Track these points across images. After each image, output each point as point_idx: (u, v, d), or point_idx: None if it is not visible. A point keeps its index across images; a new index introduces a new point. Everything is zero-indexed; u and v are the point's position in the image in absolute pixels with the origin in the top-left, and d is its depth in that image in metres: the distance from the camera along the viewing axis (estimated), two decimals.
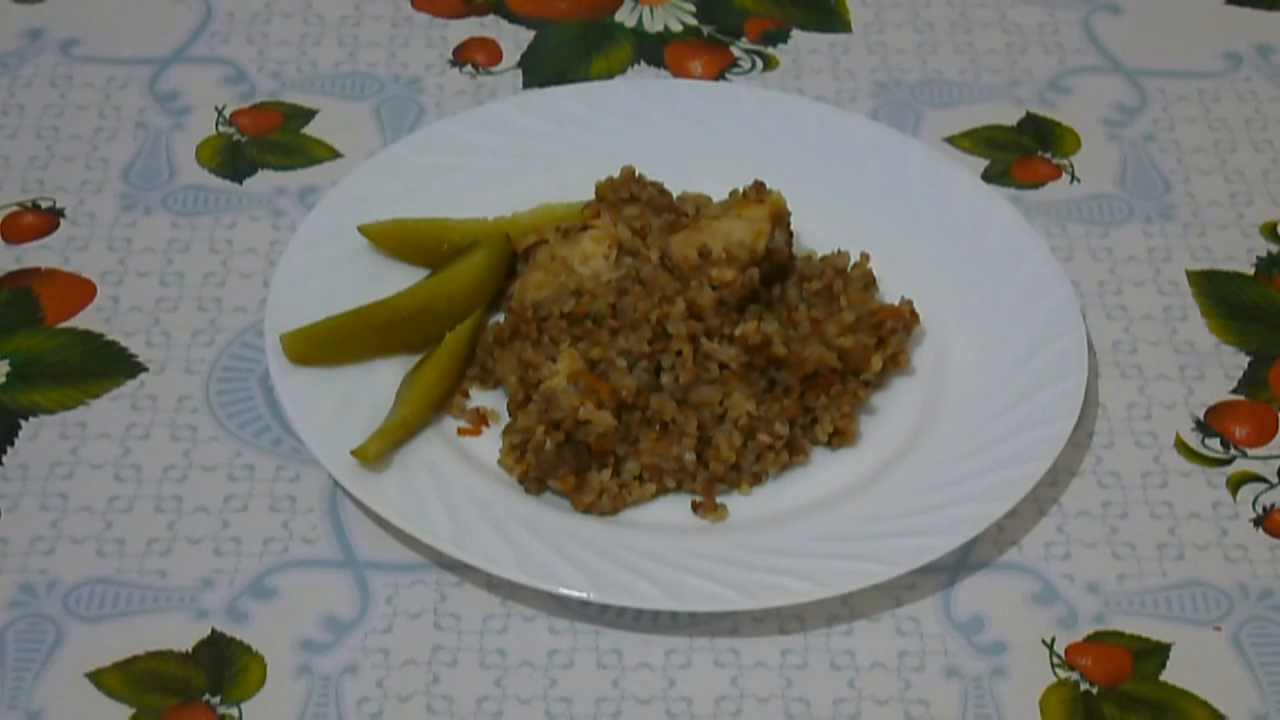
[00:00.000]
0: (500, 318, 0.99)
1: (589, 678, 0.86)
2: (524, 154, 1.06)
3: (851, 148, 1.07)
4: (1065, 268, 1.03)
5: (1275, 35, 1.20)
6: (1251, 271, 1.05)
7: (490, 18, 1.19)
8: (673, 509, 0.92)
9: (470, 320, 0.97)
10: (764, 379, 0.94)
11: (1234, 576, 0.90)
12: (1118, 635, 0.88)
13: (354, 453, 0.90)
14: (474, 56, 1.16)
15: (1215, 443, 0.96)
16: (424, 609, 0.88)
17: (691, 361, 0.93)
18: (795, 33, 1.19)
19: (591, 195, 1.02)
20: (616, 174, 1.03)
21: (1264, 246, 1.06)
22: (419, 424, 0.93)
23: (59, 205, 1.06)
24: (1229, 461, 0.95)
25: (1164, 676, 0.86)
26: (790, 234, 1.00)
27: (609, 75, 1.15)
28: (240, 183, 1.07)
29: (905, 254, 1.02)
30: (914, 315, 0.97)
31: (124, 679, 0.85)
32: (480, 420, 0.95)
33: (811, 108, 1.09)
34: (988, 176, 1.09)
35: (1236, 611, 0.89)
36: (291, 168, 1.08)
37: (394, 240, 1.00)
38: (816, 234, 1.02)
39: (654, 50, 1.17)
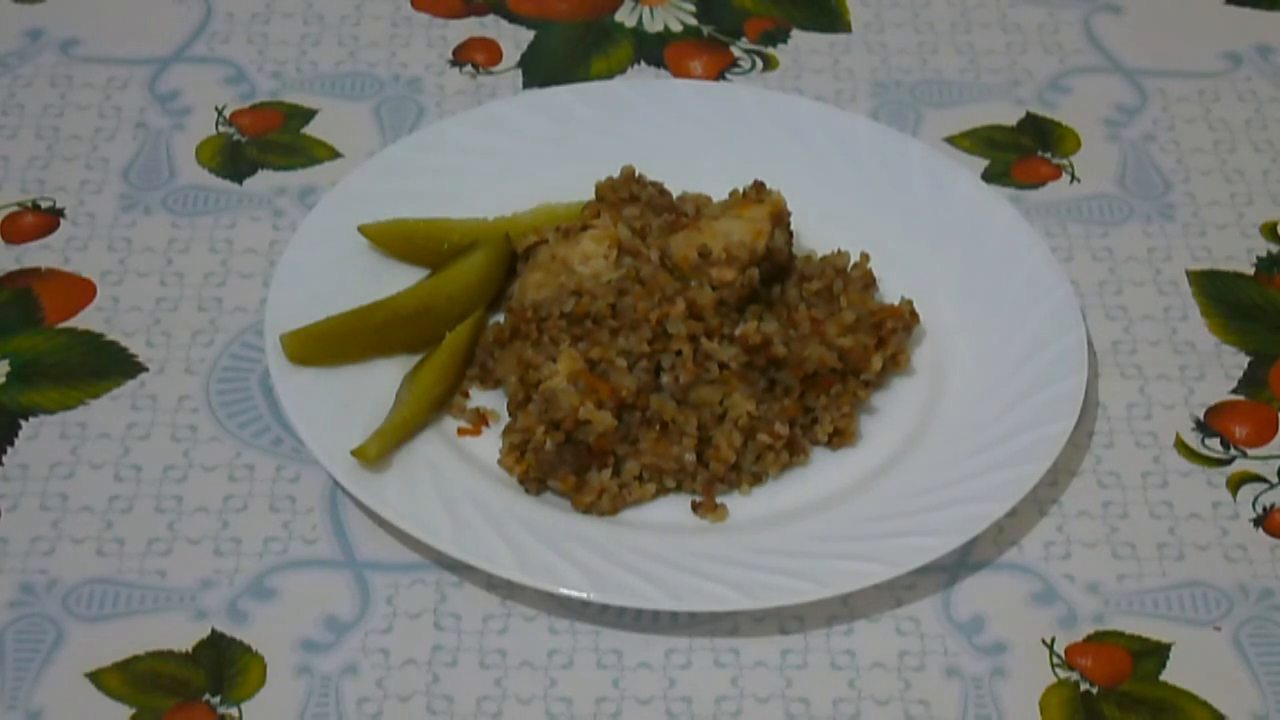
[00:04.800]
0: (500, 318, 0.99)
1: (589, 678, 0.86)
2: (524, 154, 1.06)
3: (851, 148, 1.07)
4: (1065, 268, 1.03)
5: (1275, 35, 1.20)
6: (1251, 271, 1.05)
7: (490, 18, 1.19)
8: (673, 509, 0.92)
9: (470, 320, 0.97)
10: (764, 379, 0.94)
11: (1234, 576, 0.90)
12: (1118, 635, 0.88)
13: (354, 453, 0.90)
14: (474, 56, 1.16)
15: (1215, 443, 0.96)
16: (424, 609, 0.88)
17: (691, 361, 0.93)
18: (795, 33, 1.19)
19: (591, 195, 1.02)
20: (616, 174, 1.03)
21: (1264, 246, 1.06)
22: (419, 424, 0.93)
23: (59, 205, 1.06)
24: (1229, 461, 0.95)
25: (1164, 676, 0.86)
26: (790, 234, 1.00)
27: (609, 75, 1.15)
28: (240, 183, 1.07)
29: (905, 254, 1.02)
30: (914, 315, 0.97)
31: (124, 679, 0.85)
32: (480, 420, 0.95)
33: (811, 108, 1.09)
34: (988, 176, 1.09)
35: (1236, 611, 0.89)
36: (291, 168, 1.08)
37: (394, 240, 1.00)
38: (816, 234, 1.02)
39: (654, 50, 1.17)
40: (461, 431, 0.95)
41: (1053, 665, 0.87)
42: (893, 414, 0.96)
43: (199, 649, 0.86)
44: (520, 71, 1.15)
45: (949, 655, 0.87)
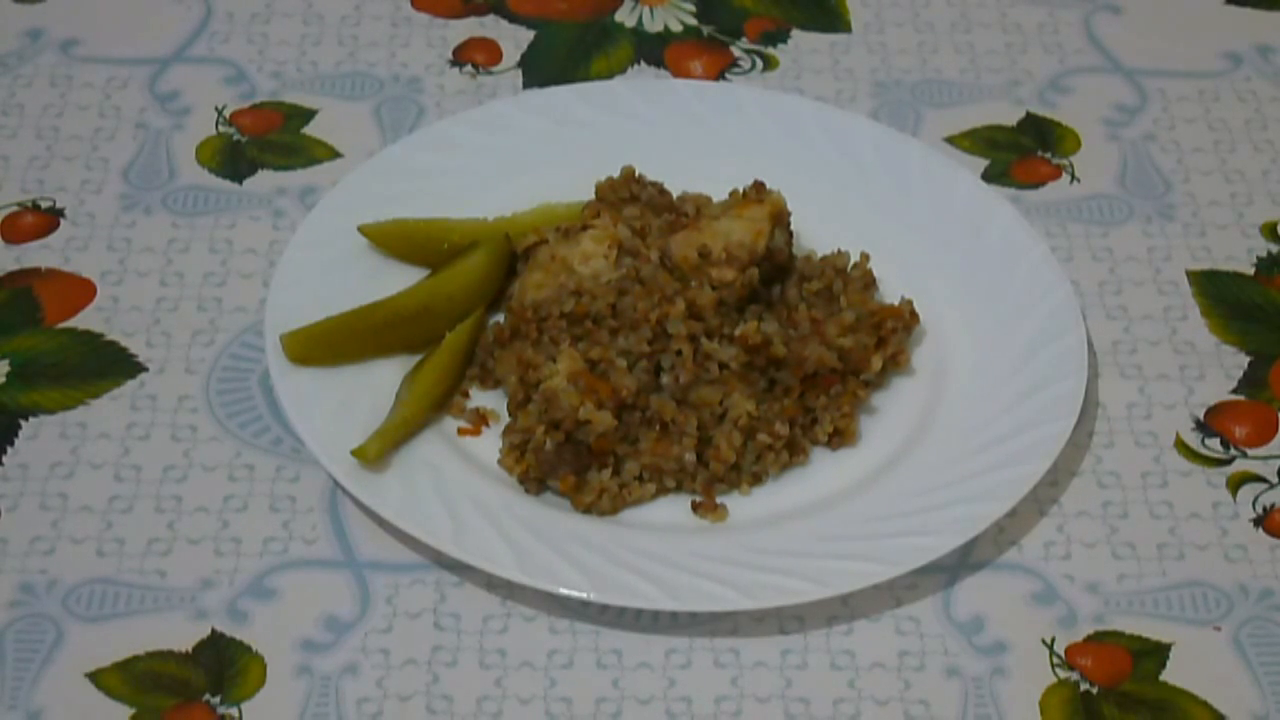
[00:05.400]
0: (500, 318, 0.99)
1: (589, 678, 0.86)
2: (524, 154, 1.06)
3: (851, 148, 1.07)
4: (1065, 268, 1.03)
5: (1275, 35, 1.20)
6: (1251, 271, 1.05)
7: (490, 18, 1.19)
8: (673, 509, 0.92)
9: (470, 320, 0.97)
10: (764, 379, 0.94)
11: (1234, 576, 0.90)
12: (1118, 635, 0.88)
13: (354, 453, 0.90)
14: (474, 56, 1.16)
15: (1215, 443, 0.96)
16: (424, 609, 0.88)
17: (691, 361, 0.93)
18: (795, 33, 1.19)
19: (591, 195, 1.02)
20: (616, 174, 1.03)
21: (1264, 246, 1.06)
22: (419, 424, 0.93)
23: (59, 205, 1.06)
24: (1229, 461, 0.95)
25: (1164, 676, 0.86)
26: (790, 234, 1.00)
27: (609, 75, 1.15)
28: (240, 183, 1.07)
29: (905, 254, 1.02)
30: (914, 315, 0.97)
31: (124, 679, 0.85)
32: (480, 420, 0.95)
33: (811, 108, 1.09)
34: (988, 176, 1.09)
35: (1236, 611, 0.89)
36: (291, 168, 1.08)
37: (394, 240, 1.00)
38: (816, 234, 1.02)
39: (654, 50, 1.17)
40: (461, 431, 0.95)
41: (1053, 665, 0.87)
42: (893, 414, 0.96)
43: (199, 649, 0.86)
44: (520, 71, 1.15)
45: (949, 655, 0.87)
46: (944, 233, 1.03)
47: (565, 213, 1.02)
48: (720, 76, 1.15)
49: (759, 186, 1.00)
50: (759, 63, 1.16)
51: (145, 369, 0.98)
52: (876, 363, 0.95)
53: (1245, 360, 1.00)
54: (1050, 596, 0.89)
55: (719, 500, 0.92)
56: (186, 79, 1.14)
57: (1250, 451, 0.96)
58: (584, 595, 0.86)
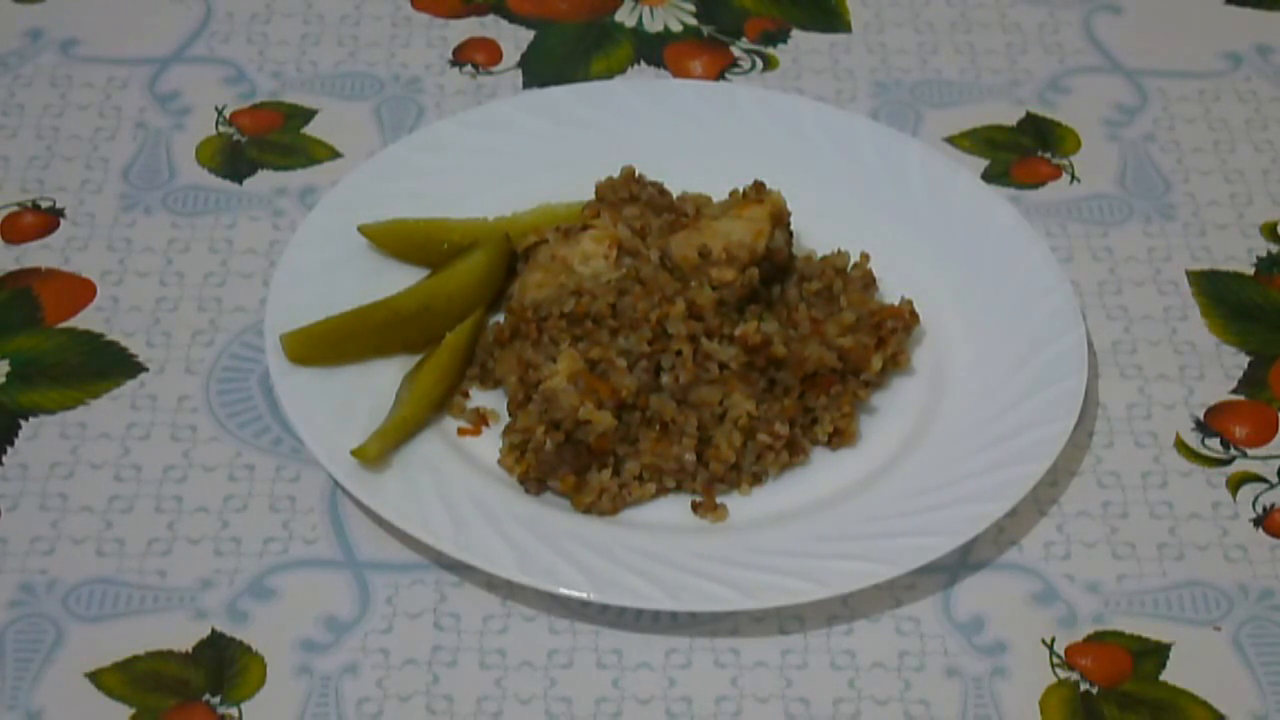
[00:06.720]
0: (500, 318, 0.99)
1: (589, 678, 0.86)
2: (524, 154, 1.06)
3: (851, 148, 1.07)
4: (1065, 268, 1.03)
5: (1275, 35, 1.20)
6: (1251, 271, 1.05)
7: (490, 18, 1.19)
8: (673, 509, 0.92)
9: (470, 320, 0.97)
10: (764, 379, 0.94)
11: (1234, 576, 0.90)
12: (1118, 635, 0.88)
13: (354, 453, 0.90)
14: (474, 56, 1.16)
15: (1215, 443, 0.96)
16: (424, 609, 0.88)
17: (691, 361, 0.93)
18: (795, 33, 1.19)
19: (591, 195, 1.02)
20: (616, 174, 1.03)
21: (1264, 246, 1.06)
22: (419, 424, 0.93)
23: (59, 205, 1.06)
24: (1229, 461, 0.95)
25: (1164, 676, 0.86)
26: (790, 234, 1.00)
27: (609, 75, 1.15)
28: (240, 183, 1.07)
29: (905, 254, 1.02)
30: (914, 315, 0.97)
31: (124, 679, 0.85)
32: (480, 420, 0.95)
33: (811, 108, 1.09)
34: (988, 176, 1.09)
35: (1236, 611, 0.89)
36: (291, 168, 1.08)
37: (394, 240, 1.00)
38: (816, 234, 1.02)
39: (654, 50, 1.17)
40: (461, 431, 0.95)
41: (1053, 665, 0.87)
42: (893, 414, 0.96)
43: (199, 649, 0.86)
44: (520, 71, 1.15)
45: (949, 655, 0.87)
46: (944, 233, 1.03)
47: (565, 213, 1.02)
48: (720, 76, 1.15)
49: (759, 186, 1.00)
50: (759, 63, 1.16)
51: (145, 369, 0.98)
52: (876, 363, 0.95)
53: (1245, 360, 1.00)
54: (1050, 596, 0.89)
55: (719, 500, 0.92)
56: (186, 79, 1.14)
57: (1250, 451, 0.96)
58: (584, 595, 0.86)
